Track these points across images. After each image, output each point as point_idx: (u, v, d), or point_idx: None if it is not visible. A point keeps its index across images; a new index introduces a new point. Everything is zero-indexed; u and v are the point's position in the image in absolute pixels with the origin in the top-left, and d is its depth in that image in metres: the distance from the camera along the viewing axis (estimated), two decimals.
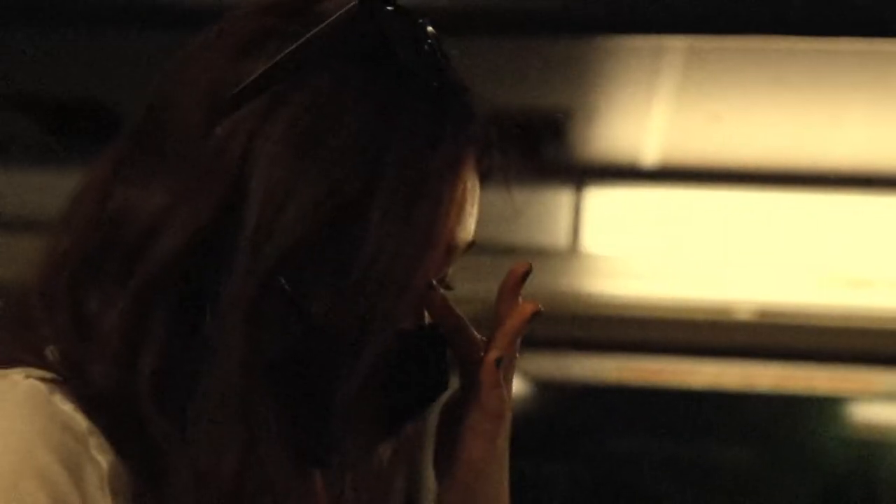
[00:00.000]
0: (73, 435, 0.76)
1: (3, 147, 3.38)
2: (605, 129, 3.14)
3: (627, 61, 2.68)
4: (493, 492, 0.90)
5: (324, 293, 0.80)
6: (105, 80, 2.84)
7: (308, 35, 0.83)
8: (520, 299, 0.90)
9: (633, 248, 3.61)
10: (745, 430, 4.26)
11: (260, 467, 0.79)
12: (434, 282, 0.86)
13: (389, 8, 0.85)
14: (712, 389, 3.98)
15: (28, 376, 0.78)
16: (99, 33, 2.57)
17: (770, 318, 3.65)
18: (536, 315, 0.90)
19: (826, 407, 4.19)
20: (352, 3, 0.84)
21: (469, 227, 0.87)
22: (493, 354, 0.89)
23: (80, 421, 0.77)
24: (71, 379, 0.79)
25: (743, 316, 3.66)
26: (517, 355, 0.91)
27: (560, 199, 3.49)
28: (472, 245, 0.88)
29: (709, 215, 3.52)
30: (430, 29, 0.86)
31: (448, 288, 0.89)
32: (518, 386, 1.41)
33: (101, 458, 0.77)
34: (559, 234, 3.55)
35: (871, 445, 4.22)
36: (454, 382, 0.90)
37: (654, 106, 2.91)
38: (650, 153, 3.27)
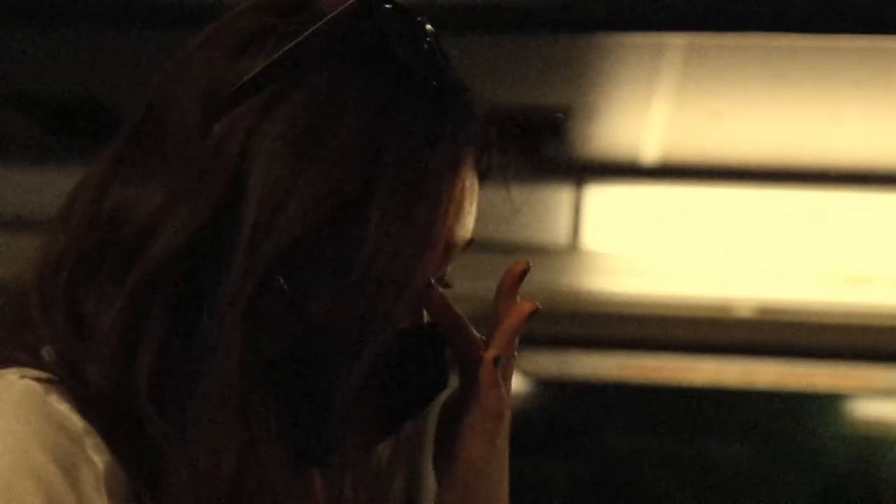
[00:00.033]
0: (68, 435, 0.76)
1: (3, 147, 3.38)
2: (605, 127, 3.14)
3: (627, 59, 2.68)
4: (493, 491, 0.90)
5: (323, 293, 0.80)
6: (105, 80, 2.84)
7: (307, 33, 0.83)
8: (518, 298, 0.90)
9: (634, 245, 3.60)
10: (746, 427, 4.25)
11: (259, 467, 0.79)
12: (433, 280, 0.86)
13: (388, 6, 0.85)
14: (712, 387, 3.98)
15: (24, 376, 0.78)
16: (99, 33, 2.57)
17: (770, 315, 3.65)
18: (535, 314, 0.90)
19: (826, 404, 4.19)
20: (351, 1, 0.84)
21: (468, 226, 0.87)
22: (491, 353, 0.88)
23: (76, 421, 0.77)
24: (67, 379, 0.79)
25: (743, 313, 3.66)
26: (516, 354, 0.91)
27: (560, 197, 3.49)
28: (471, 243, 0.88)
29: (709, 212, 3.52)
30: (429, 27, 0.86)
31: (447, 286, 0.89)
32: (518, 384, 1.41)
33: (97, 458, 0.77)
34: (559, 232, 3.55)
35: (871, 442, 4.21)
36: (453, 381, 0.90)
37: (653, 103, 2.91)
38: (650, 150, 3.27)
